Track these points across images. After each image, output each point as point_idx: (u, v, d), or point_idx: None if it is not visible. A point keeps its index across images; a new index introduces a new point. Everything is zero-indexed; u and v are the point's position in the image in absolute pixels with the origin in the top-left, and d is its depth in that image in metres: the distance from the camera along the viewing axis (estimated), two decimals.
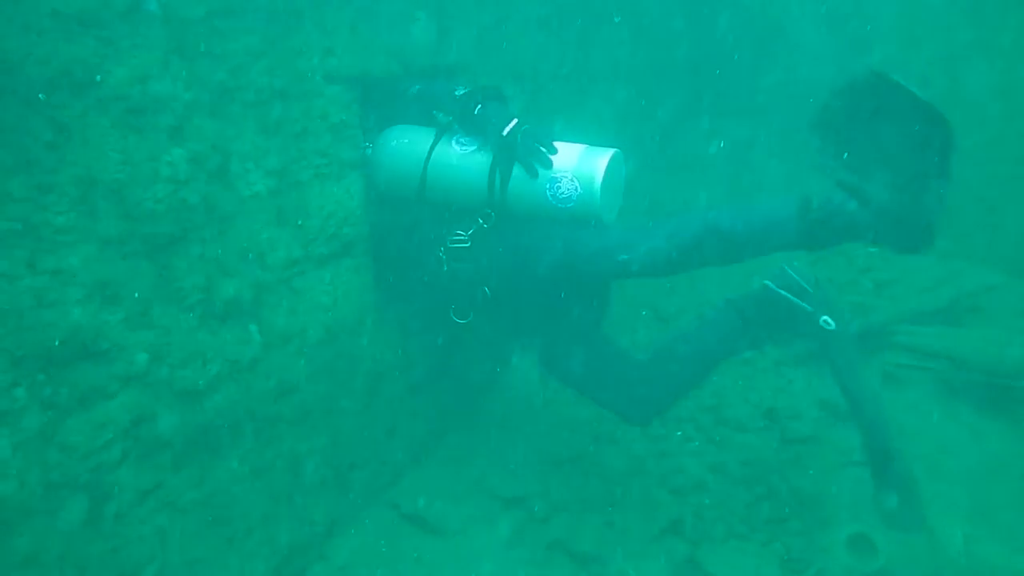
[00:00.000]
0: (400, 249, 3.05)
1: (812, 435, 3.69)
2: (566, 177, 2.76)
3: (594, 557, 3.15)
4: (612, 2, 4.87)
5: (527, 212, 2.86)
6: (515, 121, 2.81)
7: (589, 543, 3.21)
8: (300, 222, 2.70)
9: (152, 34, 2.07)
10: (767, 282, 2.92)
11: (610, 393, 3.07)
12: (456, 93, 2.91)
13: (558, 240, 2.82)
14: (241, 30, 2.34)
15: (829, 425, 3.75)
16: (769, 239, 2.60)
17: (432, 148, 2.93)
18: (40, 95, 1.84)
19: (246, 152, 2.43)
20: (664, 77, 5.59)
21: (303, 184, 2.68)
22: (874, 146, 2.46)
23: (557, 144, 2.83)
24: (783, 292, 2.86)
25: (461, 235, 2.89)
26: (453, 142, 2.92)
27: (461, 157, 2.89)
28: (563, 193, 2.76)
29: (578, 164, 2.77)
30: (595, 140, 2.90)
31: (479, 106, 2.85)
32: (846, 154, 2.52)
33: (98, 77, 1.95)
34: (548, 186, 2.78)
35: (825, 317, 2.77)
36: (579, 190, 2.76)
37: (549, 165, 2.78)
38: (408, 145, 2.97)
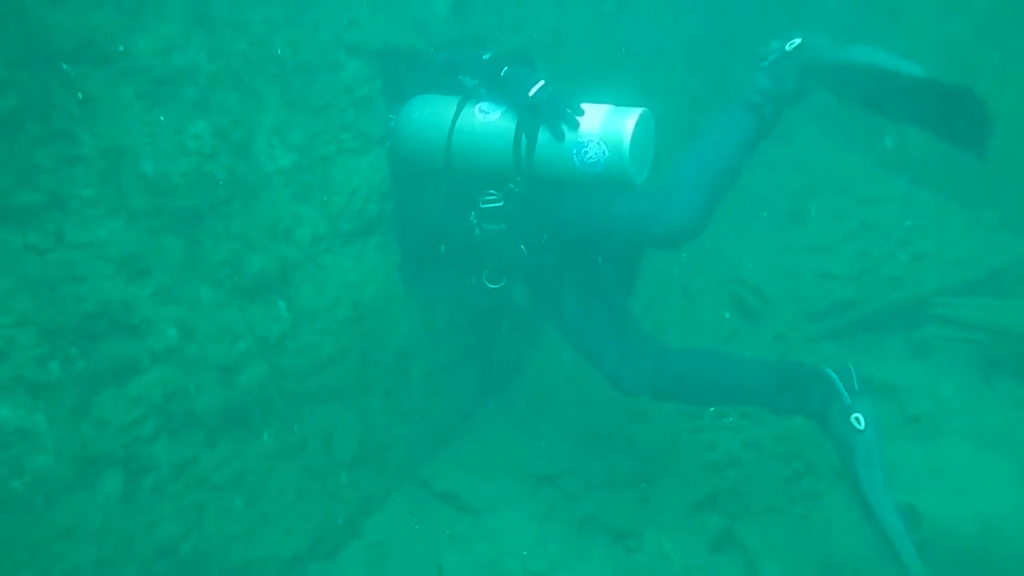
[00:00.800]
0: (428, 219, 3.02)
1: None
2: (593, 140, 2.69)
3: (629, 532, 3.11)
4: None
5: (555, 177, 2.81)
6: (541, 83, 2.76)
7: (623, 519, 3.17)
8: (325, 198, 2.68)
9: (173, 4, 2.05)
10: (829, 370, 2.73)
11: (612, 354, 2.96)
12: (483, 57, 2.87)
13: (592, 202, 2.78)
14: (262, 1, 2.32)
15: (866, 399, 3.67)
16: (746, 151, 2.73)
17: (456, 117, 2.88)
18: (64, 65, 1.83)
19: (270, 126, 2.41)
20: (692, 49, 5.51)
21: (327, 159, 2.66)
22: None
23: (583, 106, 2.77)
24: (835, 376, 2.69)
25: (493, 195, 2.86)
26: (476, 110, 2.88)
27: (485, 124, 2.84)
28: (591, 157, 2.70)
29: (604, 126, 2.70)
30: (621, 101, 2.83)
31: (505, 68, 2.80)
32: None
33: (121, 47, 1.94)
34: (575, 150, 2.72)
35: (857, 415, 2.59)
36: (607, 153, 2.69)
37: (576, 126, 2.72)
38: (431, 115, 2.93)
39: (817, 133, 5.42)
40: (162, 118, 2.07)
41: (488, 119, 2.84)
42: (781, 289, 4.37)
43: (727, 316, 4.36)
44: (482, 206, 2.88)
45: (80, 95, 1.87)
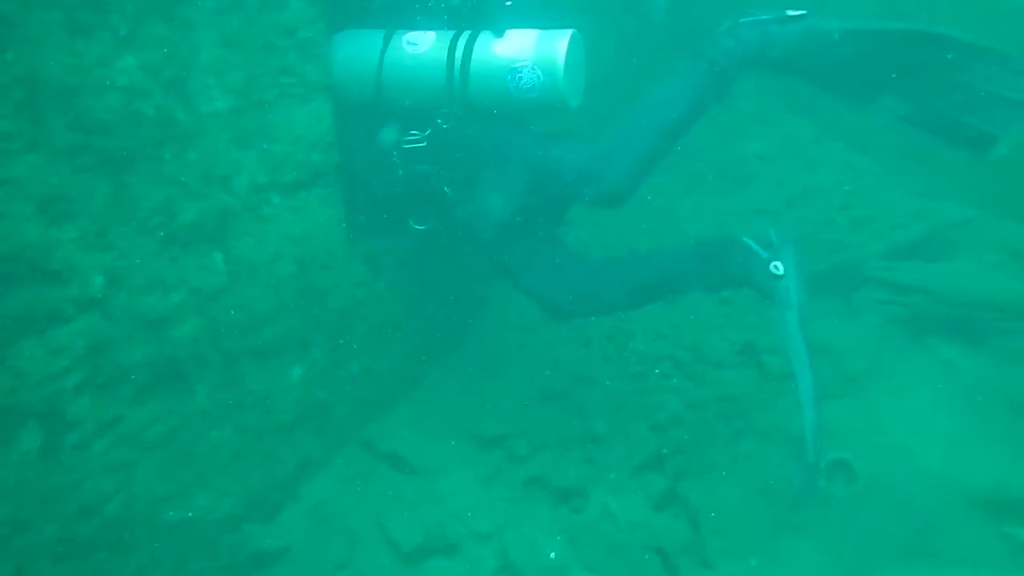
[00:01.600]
0: (355, 160, 2.94)
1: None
2: (526, 66, 2.70)
3: (575, 491, 3.11)
4: None
5: (490, 105, 2.79)
6: None
7: (569, 479, 3.16)
8: (266, 146, 2.56)
9: None
10: (744, 237, 2.81)
11: (541, 279, 2.96)
12: None
13: (525, 148, 2.78)
14: None
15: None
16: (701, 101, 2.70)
17: (383, 50, 2.84)
18: None
19: (205, 64, 2.27)
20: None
21: (268, 104, 2.53)
22: None
23: (513, 32, 2.76)
24: (750, 241, 2.78)
25: (416, 135, 2.83)
26: (404, 42, 2.85)
27: (415, 56, 2.82)
28: (526, 83, 2.71)
29: (536, 50, 2.70)
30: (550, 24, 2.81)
31: None
32: None
33: None
34: (509, 77, 2.72)
35: (776, 263, 2.68)
36: (541, 78, 2.70)
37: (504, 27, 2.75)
38: (357, 51, 2.87)
39: (763, 97, 5.43)
40: (87, 49, 1.92)
41: (418, 51, 2.82)
42: None
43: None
44: (404, 146, 2.85)
45: None
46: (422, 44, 2.83)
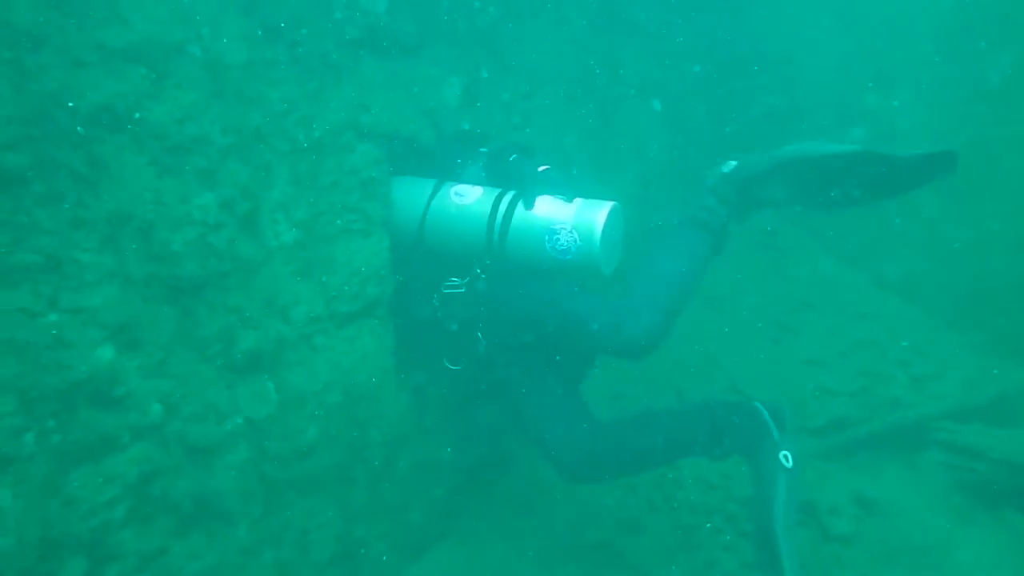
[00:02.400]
0: (401, 296, 3.01)
1: (852, 533, 3.48)
2: (565, 228, 2.78)
3: None
4: (637, 82, 4.93)
5: (526, 263, 2.87)
6: (546, 167, 2.95)
7: None
8: (324, 278, 2.62)
9: (194, 75, 2.05)
10: (758, 404, 2.85)
11: (556, 439, 2.89)
12: (481, 150, 3.04)
13: (557, 302, 2.83)
14: (280, 79, 2.33)
15: (869, 523, 3.54)
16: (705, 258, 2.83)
17: (431, 198, 2.95)
18: (79, 127, 1.79)
19: (276, 201, 2.37)
20: (688, 157, 5.61)
21: (330, 238, 2.62)
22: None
23: (556, 198, 2.87)
24: (765, 412, 2.80)
25: (456, 281, 2.91)
26: (452, 192, 2.95)
27: (459, 207, 2.92)
28: (562, 244, 2.78)
29: (577, 216, 2.79)
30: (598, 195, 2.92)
31: (514, 155, 2.96)
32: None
33: (137, 114, 1.92)
34: (547, 237, 2.80)
35: (786, 453, 2.70)
36: (578, 242, 2.77)
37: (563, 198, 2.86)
38: (406, 196, 2.98)
39: (809, 245, 5.47)
40: (171, 186, 2.02)
41: (463, 202, 2.92)
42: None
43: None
44: (444, 291, 2.92)
45: (91, 158, 1.82)
46: (468, 196, 2.94)
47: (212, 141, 2.11)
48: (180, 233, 2.07)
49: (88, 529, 1.92)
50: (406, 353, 3.09)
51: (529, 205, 2.85)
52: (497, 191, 2.95)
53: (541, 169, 2.96)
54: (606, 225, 2.78)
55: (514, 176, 2.93)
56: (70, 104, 1.78)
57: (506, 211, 2.88)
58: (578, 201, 2.85)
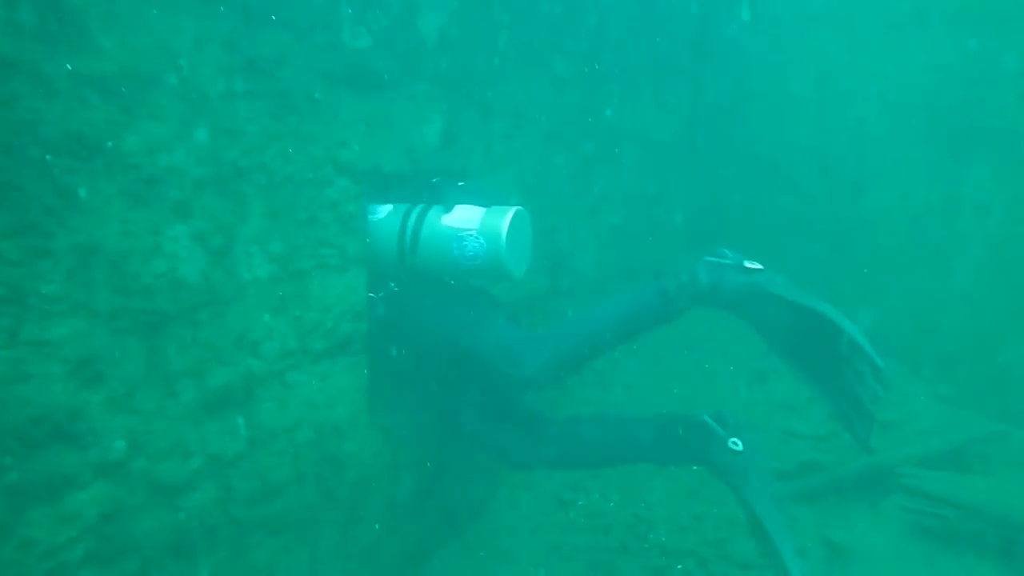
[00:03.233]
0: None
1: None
2: (472, 234, 2.88)
3: None
4: (617, 129, 4.99)
5: (437, 271, 2.97)
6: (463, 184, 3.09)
7: None
8: (299, 313, 2.58)
9: (169, 106, 2.02)
10: (705, 416, 2.82)
11: (499, 432, 2.98)
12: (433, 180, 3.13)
13: (463, 321, 2.91)
14: (259, 112, 2.31)
15: (837, 566, 3.53)
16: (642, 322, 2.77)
17: None
18: (48, 156, 1.76)
19: (251, 235, 2.34)
20: (668, 207, 5.67)
21: (305, 273, 2.58)
22: None
23: (464, 207, 2.96)
24: (709, 420, 2.78)
25: (372, 296, 2.96)
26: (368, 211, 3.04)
27: (372, 223, 3.02)
28: (470, 250, 2.88)
29: (483, 222, 2.89)
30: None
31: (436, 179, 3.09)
32: None
33: (109, 143, 1.88)
34: (455, 244, 2.90)
35: (734, 440, 2.69)
36: (485, 246, 2.87)
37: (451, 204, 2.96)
38: None
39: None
40: (142, 218, 1.98)
41: (375, 217, 3.03)
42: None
43: (695, 468, 4.25)
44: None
45: (59, 188, 1.78)
46: (381, 212, 3.05)
47: (186, 172, 2.08)
48: (150, 265, 2.02)
49: (44, 572, 1.84)
50: (380, 391, 3.05)
51: (440, 212, 2.95)
52: (407, 205, 3.05)
53: (460, 184, 3.08)
54: (511, 229, 2.87)
55: (434, 194, 3.03)
56: (39, 132, 1.74)
57: (415, 222, 2.98)
58: (484, 209, 2.94)
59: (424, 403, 3.13)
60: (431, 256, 2.96)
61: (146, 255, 2.01)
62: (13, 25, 1.70)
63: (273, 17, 2.38)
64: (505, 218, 2.88)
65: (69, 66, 1.78)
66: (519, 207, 2.94)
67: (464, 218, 2.92)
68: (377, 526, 3.13)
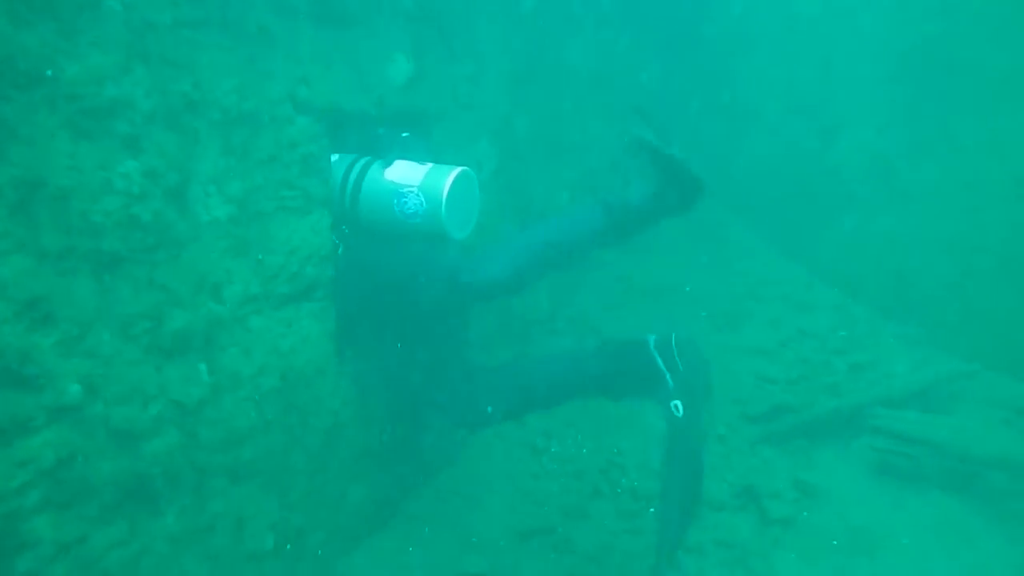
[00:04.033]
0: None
1: (791, 516, 3.50)
2: (412, 191, 2.81)
3: None
4: (584, 71, 4.90)
5: (378, 226, 2.91)
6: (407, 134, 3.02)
7: None
8: (260, 256, 2.51)
9: (113, 33, 1.92)
10: (651, 338, 2.82)
11: (443, 392, 2.99)
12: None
13: (413, 251, 2.91)
14: (211, 44, 2.20)
15: (808, 506, 3.57)
16: (587, 240, 2.77)
17: None
18: None
19: (207, 174, 2.25)
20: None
21: (266, 215, 2.50)
22: None
23: (410, 163, 2.89)
24: (657, 357, 2.76)
25: (335, 240, 2.90)
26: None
27: None
28: (410, 207, 2.82)
29: (425, 179, 2.82)
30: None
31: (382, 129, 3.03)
32: None
33: (49, 72, 1.78)
34: (396, 200, 2.84)
35: (677, 402, 2.67)
36: (424, 204, 2.80)
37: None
38: None
39: (753, 238, 5.53)
40: (89, 152, 1.89)
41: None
42: (721, 390, 4.30)
43: None
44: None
45: None
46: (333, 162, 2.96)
47: (134, 105, 1.98)
48: (100, 203, 1.94)
49: None
50: (349, 337, 3.00)
51: (383, 166, 2.88)
52: (351, 157, 2.97)
53: (404, 135, 3.02)
54: (452, 188, 2.80)
55: (378, 145, 2.96)
56: None
57: (357, 175, 2.91)
58: (429, 166, 2.86)
59: (387, 350, 3.09)
60: (371, 211, 2.89)
61: (95, 192, 1.93)
62: None
63: None
64: (448, 177, 2.80)
65: None
66: (465, 168, 2.87)
67: (407, 175, 2.85)
68: (347, 474, 3.11)
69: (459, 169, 2.84)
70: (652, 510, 3.54)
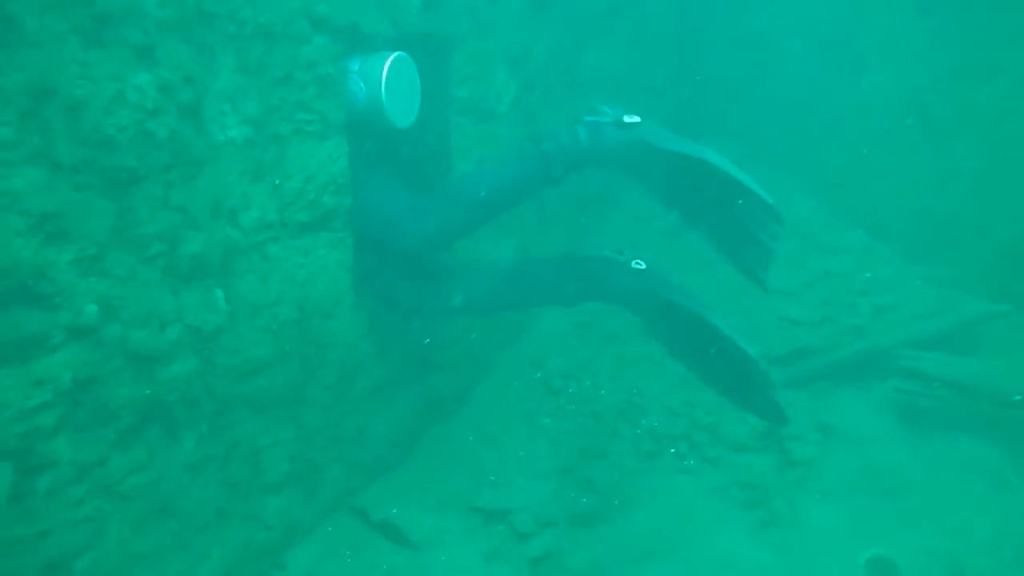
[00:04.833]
0: None
1: (815, 457, 3.45)
2: (353, 75, 2.81)
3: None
4: (611, 11, 4.75)
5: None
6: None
7: (579, 561, 2.93)
8: (277, 181, 2.44)
9: None
10: (605, 251, 2.85)
11: (411, 284, 2.96)
12: None
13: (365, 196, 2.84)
14: None
15: (831, 448, 3.52)
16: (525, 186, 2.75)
17: None
18: None
19: (223, 91, 2.17)
20: (655, 91, 5.47)
21: (283, 139, 2.42)
22: None
23: (361, 57, 2.84)
24: (607, 252, 2.82)
25: None
26: None
27: None
28: (350, 91, 2.80)
29: (364, 62, 2.82)
30: None
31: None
32: None
33: None
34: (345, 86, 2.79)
35: (637, 260, 2.75)
36: (364, 88, 2.80)
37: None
38: None
39: (779, 179, 5.39)
40: (101, 61, 1.81)
41: None
42: (743, 332, 4.23)
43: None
44: None
45: (3, 16, 1.60)
46: None
47: (147, 13, 1.89)
48: (114, 116, 1.86)
49: (16, 435, 1.75)
50: (365, 271, 2.94)
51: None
52: None
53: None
54: (391, 70, 2.79)
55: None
56: None
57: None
58: (372, 53, 2.85)
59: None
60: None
61: (109, 104, 1.85)
62: None
63: None
64: (385, 62, 2.79)
65: None
66: (401, 52, 2.85)
67: (351, 62, 2.83)
68: (363, 410, 3.07)
69: (395, 54, 2.83)
70: (672, 451, 3.50)
